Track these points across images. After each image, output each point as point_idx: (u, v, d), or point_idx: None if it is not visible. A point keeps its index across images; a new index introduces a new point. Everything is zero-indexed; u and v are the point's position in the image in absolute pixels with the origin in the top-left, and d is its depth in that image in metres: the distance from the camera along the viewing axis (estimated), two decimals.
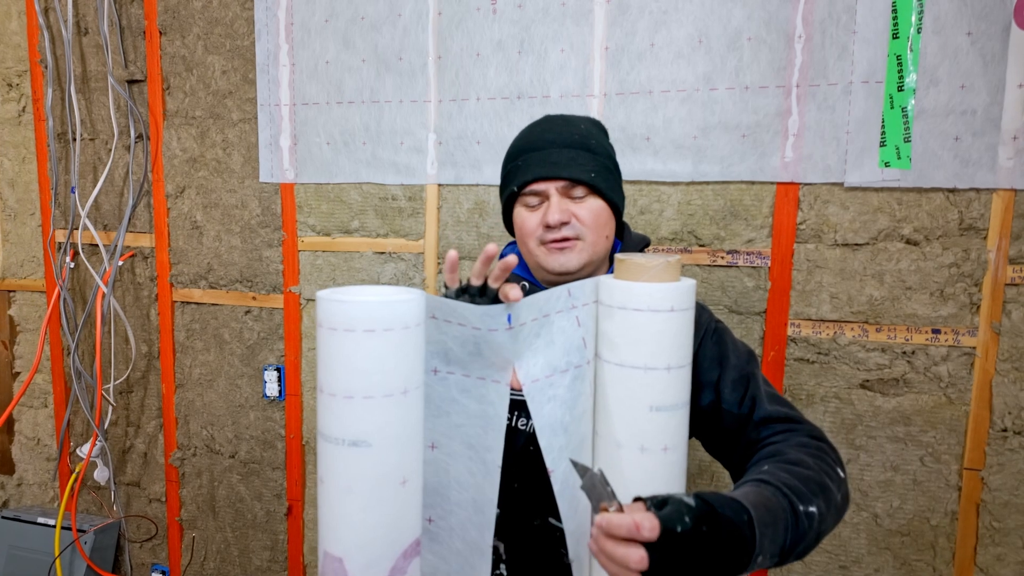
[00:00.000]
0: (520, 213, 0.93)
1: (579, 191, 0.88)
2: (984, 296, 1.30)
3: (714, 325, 0.91)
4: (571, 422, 0.75)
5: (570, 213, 0.88)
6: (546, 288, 0.91)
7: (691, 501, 0.58)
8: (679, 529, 0.55)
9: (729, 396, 0.84)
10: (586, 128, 0.93)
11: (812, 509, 0.65)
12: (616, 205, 0.92)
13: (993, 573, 1.34)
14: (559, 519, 0.88)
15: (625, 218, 1.46)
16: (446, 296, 0.75)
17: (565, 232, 0.88)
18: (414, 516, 0.67)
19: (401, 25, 1.57)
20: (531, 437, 0.89)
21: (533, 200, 0.91)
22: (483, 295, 0.74)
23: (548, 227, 0.88)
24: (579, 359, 0.76)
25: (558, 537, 0.89)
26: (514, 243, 1.04)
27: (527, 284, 0.95)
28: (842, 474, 0.73)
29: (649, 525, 0.54)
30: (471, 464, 0.76)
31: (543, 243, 0.90)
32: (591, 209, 0.89)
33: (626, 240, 0.99)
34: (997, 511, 1.33)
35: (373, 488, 0.61)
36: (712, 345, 0.88)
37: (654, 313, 0.70)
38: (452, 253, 0.74)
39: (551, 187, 0.88)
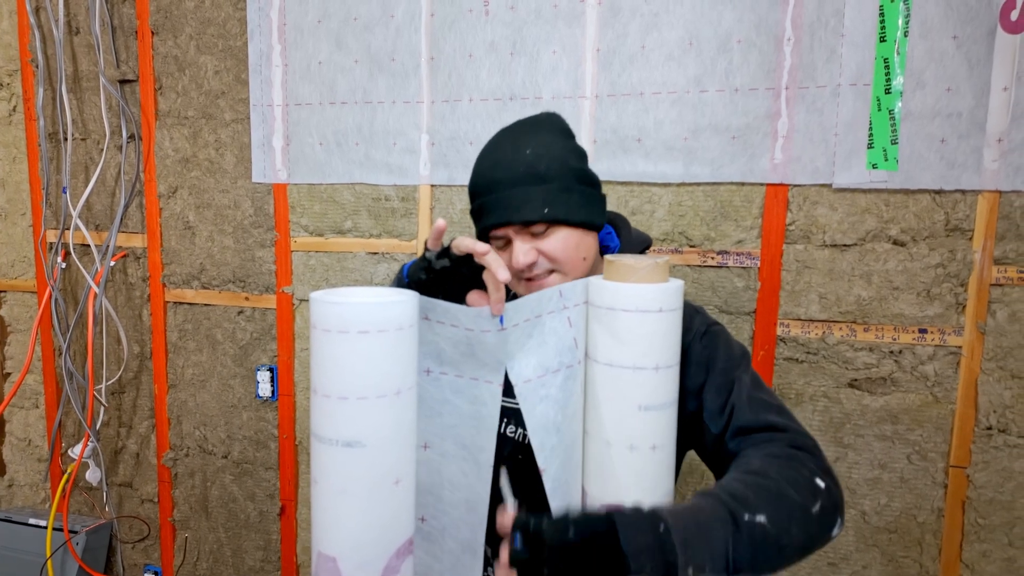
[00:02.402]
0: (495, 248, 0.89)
1: (538, 228, 0.84)
2: (970, 296, 1.32)
3: (704, 328, 0.87)
4: (563, 422, 0.76)
5: (535, 252, 0.84)
6: None
7: (581, 512, 0.61)
8: (536, 527, 0.59)
9: (711, 404, 0.81)
10: (534, 151, 0.85)
11: (760, 519, 0.62)
12: (587, 223, 0.86)
13: (979, 569, 1.36)
14: None
15: None
16: (427, 256, 0.75)
17: (535, 271, 0.85)
18: (407, 516, 0.68)
19: (394, 26, 1.57)
20: (519, 446, 0.89)
21: (500, 243, 0.87)
22: (464, 263, 0.74)
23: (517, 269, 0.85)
24: (571, 359, 0.77)
25: None
26: None
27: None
28: (821, 484, 0.68)
29: (508, 519, 0.61)
30: (464, 464, 0.76)
31: (520, 282, 0.87)
32: (556, 241, 0.84)
33: (624, 239, 0.94)
34: (982, 508, 1.35)
35: (367, 488, 0.62)
36: (700, 348, 0.85)
37: (643, 314, 0.71)
38: (440, 222, 0.73)
39: (509, 231, 0.85)
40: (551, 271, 0.85)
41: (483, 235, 0.89)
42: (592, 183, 0.89)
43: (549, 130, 0.89)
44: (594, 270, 0.93)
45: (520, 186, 0.83)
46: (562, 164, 0.85)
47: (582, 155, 0.90)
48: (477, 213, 0.89)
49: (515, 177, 0.83)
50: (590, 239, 0.88)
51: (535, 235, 0.84)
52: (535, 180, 0.83)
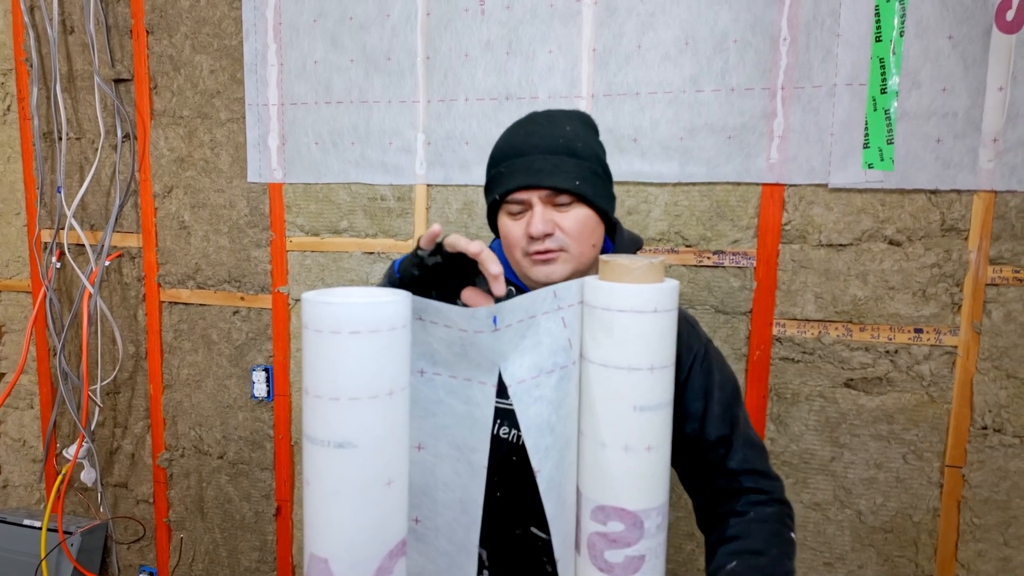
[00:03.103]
0: (504, 221, 0.89)
1: (563, 199, 0.85)
2: (965, 296, 1.32)
3: (703, 351, 0.90)
4: (558, 422, 0.76)
5: (553, 224, 0.85)
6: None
7: None
8: None
9: (712, 433, 0.86)
10: (572, 129, 0.88)
11: None
12: (604, 211, 0.89)
13: (974, 569, 1.36)
14: (542, 529, 0.89)
15: None
16: (419, 254, 0.74)
17: (548, 244, 0.84)
18: (400, 517, 0.67)
19: (389, 25, 1.57)
20: (513, 447, 0.89)
21: (516, 208, 0.87)
22: (457, 261, 0.74)
23: (531, 238, 0.85)
24: (565, 360, 0.76)
25: (540, 546, 0.90)
26: (498, 240, 1.02)
27: (513, 289, 0.94)
28: (793, 535, 0.83)
29: None
30: (457, 465, 0.76)
31: (527, 254, 0.87)
32: (576, 218, 0.85)
33: (618, 241, 0.95)
34: (978, 507, 1.35)
35: (359, 489, 0.62)
36: (700, 375, 0.88)
37: (638, 314, 0.71)
38: (436, 227, 0.72)
39: (534, 196, 0.85)
40: (561, 250, 0.86)
41: (497, 203, 0.89)
42: (611, 180, 0.92)
43: (582, 122, 0.92)
44: (590, 272, 0.92)
45: (555, 155, 0.85)
46: (594, 152, 0.89)
47: (605, 153, 0.94)
48: (497, 178, 0.88)
49: (552, 146, 0.85)
50: (601, 230, 0.90)
51: (558, 207, 0.85)
52: (570, 153, 0.85)
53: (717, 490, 0.87)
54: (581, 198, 0.85)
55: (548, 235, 0.84)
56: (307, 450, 0.63)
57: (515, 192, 0.85)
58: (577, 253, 0.86)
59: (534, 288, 0.91)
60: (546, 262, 0.86)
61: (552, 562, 0.91)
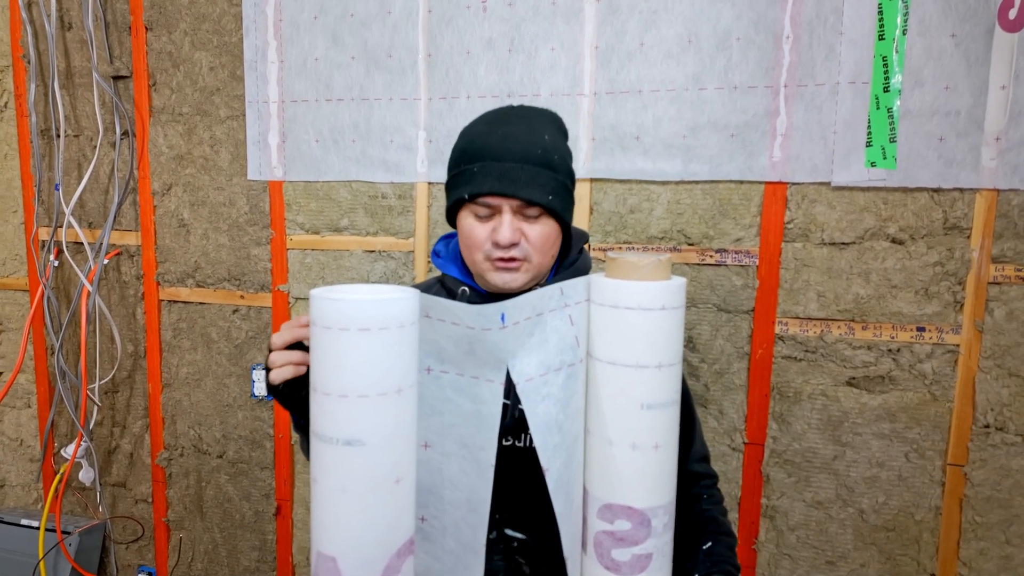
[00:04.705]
0: (468, 221, 0.88)
1: (533, 211, 0.85)
2: (967, 294, 1.32)
3: None
4: (565, 420, 0.75)
5: (520, 233, 0.85)
6: (487, 294, 0.91)
7: None
8: None
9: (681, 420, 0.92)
10: (550, 138, 0.88)
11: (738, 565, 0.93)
12: (568, 224, 0.90)
13: (976, 567, 1.36)
14: (516, 529, 0.89)
15: (615, 217, 1.47)
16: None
17: (513, 253, 0.85)
18: (408, 515, 0.67)
19: (391, 22, 1.56)
20: (517, 451, 0.88)
21: (483, 211, 0.86)
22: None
23: (496, 244, 0.85)
24: (572, 358, 0.76)
25: (516, 547, 0.89)
26: (447, 238, 1.01)
27: (467, 289, 0.93)
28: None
29: None
30: (464, 463, 0.76)
31: (489, 259, 0.87)
32: (542, 231, 0.86)
33: (573, 244, 0.96)
34: (980, 506, 1.35)
35: (367, 487, 0.61)
36: None
37: (645, 311, 0.71)
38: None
39: (505, 204, 0.84)
40: (524, 259, 0.86)
41: (462, 201, 0.87)
42: (574, 186, 0.93)
43: (557, 128, 0.92)
44: (544, 279, 0.93)
45: (532, 165, 0.84)
46: (566, 163, 0.89)
47: (572, 158, 0.94)
48: (468, 177, 0.86)
49: (530, 155, 0.85)
50: (559, 241, 0.91)
51: (526, 217, 0.86)
52: (546, 165, 0.85)
53: (686, 475, 0.93)
54: (551, 212, 0.86)
55: (514, 244, 0.85)
56: (315, 447, 0.63)
57: (487, 196, 0.85)
58: (537, 263, 0.87)
59: (488, 290, 0.91)
60: (508, 270, 0.87)
61: (530, 562, 0.90)
